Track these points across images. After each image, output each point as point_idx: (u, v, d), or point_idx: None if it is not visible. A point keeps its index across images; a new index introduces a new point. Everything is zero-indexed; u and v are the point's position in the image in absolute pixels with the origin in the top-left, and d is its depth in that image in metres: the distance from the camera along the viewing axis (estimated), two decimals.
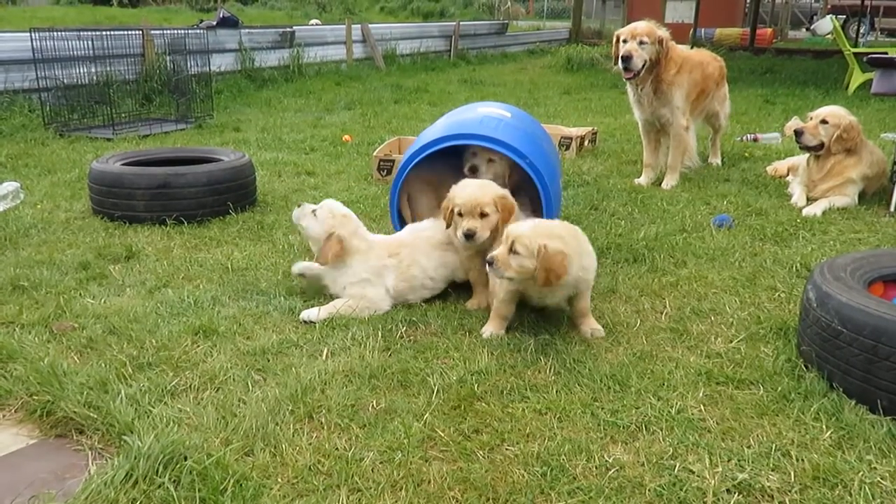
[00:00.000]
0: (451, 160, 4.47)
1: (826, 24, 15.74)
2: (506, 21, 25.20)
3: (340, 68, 15.03)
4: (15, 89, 9.44)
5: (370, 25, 16.56)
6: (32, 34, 8.40)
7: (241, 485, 2.37)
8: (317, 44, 14.72)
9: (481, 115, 4.55)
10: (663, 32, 6.07)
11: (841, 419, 2.77)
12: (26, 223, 5.14)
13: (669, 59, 6.09)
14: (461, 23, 20.13)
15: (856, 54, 12.90)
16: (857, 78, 12.60)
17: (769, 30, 23.53)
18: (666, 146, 6.51)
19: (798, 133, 5.82)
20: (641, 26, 6.04)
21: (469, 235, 3.64)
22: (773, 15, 27.60)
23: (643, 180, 6.48)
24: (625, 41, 6.03)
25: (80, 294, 3.98)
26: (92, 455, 2.63)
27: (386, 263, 3.86)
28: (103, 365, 3.17)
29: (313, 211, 3.93)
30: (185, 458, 2.44)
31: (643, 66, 6.02)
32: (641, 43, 5.98)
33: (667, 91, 6.18)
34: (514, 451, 2.61)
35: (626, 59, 5.99)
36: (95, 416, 2.75)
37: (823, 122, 5.74)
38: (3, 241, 4.80)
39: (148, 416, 2.76)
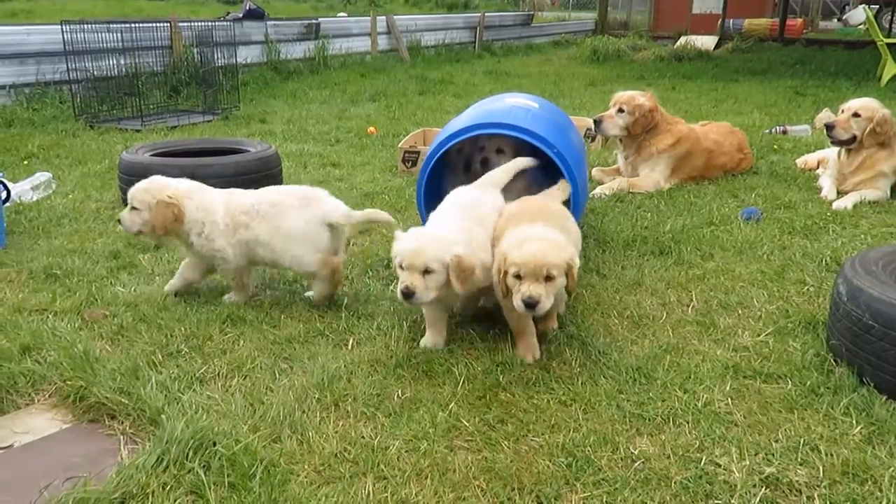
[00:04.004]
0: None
1: (859, 14, 15.50)
2: (531, 12, 25.05)
3: (365, 60, 15.07)
4: (46, 81, 9.61)
5: (395, 17, 16.56)
6: (63, 27, 8.52)
7: (269, 471, 2.41)
8: (342, 36, 14.77)
9: (510, 105, 4.56)
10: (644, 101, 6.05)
11: (871, 414, 2.74)
12: (58, 213, 5.23)
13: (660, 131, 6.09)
14: (486, 14, 20.05)
15: (889, 45, 12.65)
16: (891, 69, 12.35)
17: (799, 20, 23.08)
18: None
19: (829, 127, 5.72)
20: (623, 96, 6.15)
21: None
22: (803, 5, 27.10)
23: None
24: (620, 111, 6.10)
25: (111, 283, 4.05)
26: (124, 440, 2.68)
27: (214, 198, 3.77)
28: (134, 352, 3.23)
29: (131, 208, 3.73)
30: (215, 444, 2.48)
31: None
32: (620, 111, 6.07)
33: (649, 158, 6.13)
34: (538, 442, 2.61)
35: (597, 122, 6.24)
36: (127, 402, 2.81)
37: (855, 115, 5.64)
38: (35, 230, 4.90)
39: (178, 403, 2.80)
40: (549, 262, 2.96)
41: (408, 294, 3.05)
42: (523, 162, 4.13)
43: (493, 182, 3.94)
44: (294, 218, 3.66)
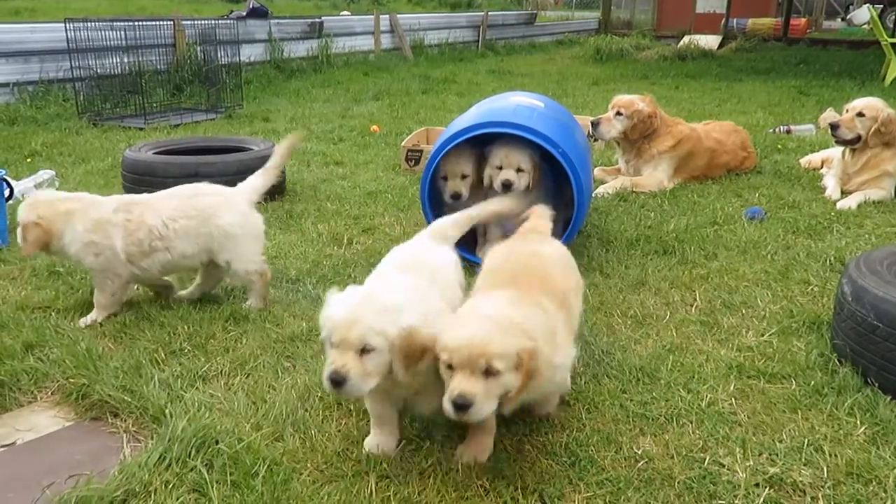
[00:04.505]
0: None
1: (863, 14, 15.45)
2: (534, 11, 25.03)
3: (368, 59, 15.05)
4: (50, 79, 9.62)
5: (398, 16, 16.54)
6: (67, 24, 8.53)
7: (271, 469, 2.40)
8: (345, 34, 14.77)
9: (514, 103, 4.54)
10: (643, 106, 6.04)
11: (875, 415, 2.73)
12: None
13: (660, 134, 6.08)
14: (489, 13, 20.04)
15: (893, 45, 12.60)
16: (895, 69, 12.31)
17: (803, 19, 23.07)
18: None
19: (834, 126, 5.70)
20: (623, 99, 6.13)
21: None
22: (807, 4, 27.04)
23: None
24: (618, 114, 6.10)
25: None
26: (126, 438, 2.68)
27: (110, 219, 3.51)
28: (136, 350, 3.23)
29: (22, 226, 3.50)
30: (217, 442, 2.48)
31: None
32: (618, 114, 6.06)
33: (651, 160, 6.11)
34: (542, 441, 2.61)
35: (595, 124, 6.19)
36: (130, 400, 2.81)
37: (860, 114, 5.62)
38: None
39: (180, 401, 2.80)
40: (489, 350, 2.18)
41: (337, 381, 2.25)
42: (478, 213, 3.42)
43: (442, 236, 3.14)
44: (229, 215, 3.60)
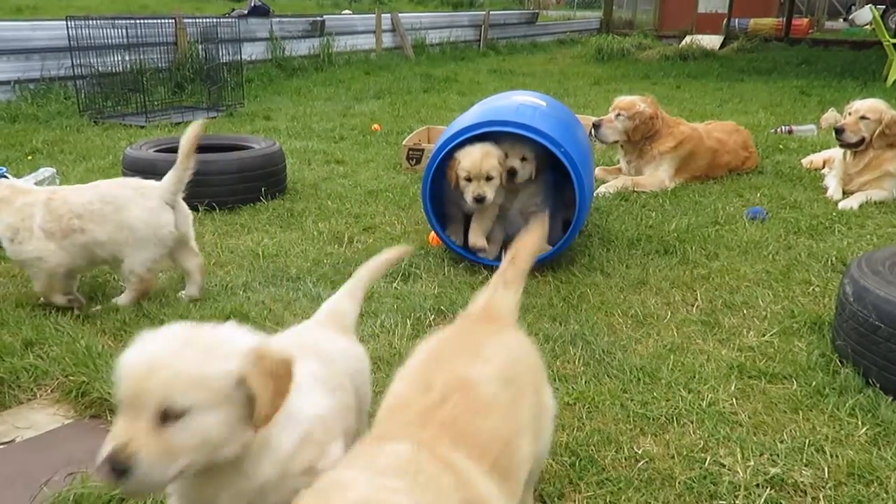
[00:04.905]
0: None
1: (865, 14, 15.41)
2: (536, 11, 25.00)
3: (370, 57, 15.05)
4: (51, 77, 9.61)
5: (400, 14, 16.54)
6: (68, 22, 8.52)
7: None
8: (346, 33, 14.76)
9: (517, 102, 4.53)
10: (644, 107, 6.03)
11: (877, 415, 2.72)
12: None
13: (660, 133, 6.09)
14: (491, 12, 20.02)
15: (895, 45, 12.58)
16: None
17: (805, 20, 23.04)
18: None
19: (838, 130, 5.69)
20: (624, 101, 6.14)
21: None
22: (809, 4, 27.02)
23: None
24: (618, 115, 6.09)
25: (114, 278, 4.05)
26: None
27: (30, 200, 3.53)
28: None
29: None
30: None
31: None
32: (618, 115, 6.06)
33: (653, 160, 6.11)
34: None
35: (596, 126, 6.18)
36: None
37: (863, 117, 5.61)
38: None
39: None
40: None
41: (116, 470, 1.47)
42: (368, 272, 2.49)
43: (336, 318, 2.34)
44: (136, 209, 3.60)
